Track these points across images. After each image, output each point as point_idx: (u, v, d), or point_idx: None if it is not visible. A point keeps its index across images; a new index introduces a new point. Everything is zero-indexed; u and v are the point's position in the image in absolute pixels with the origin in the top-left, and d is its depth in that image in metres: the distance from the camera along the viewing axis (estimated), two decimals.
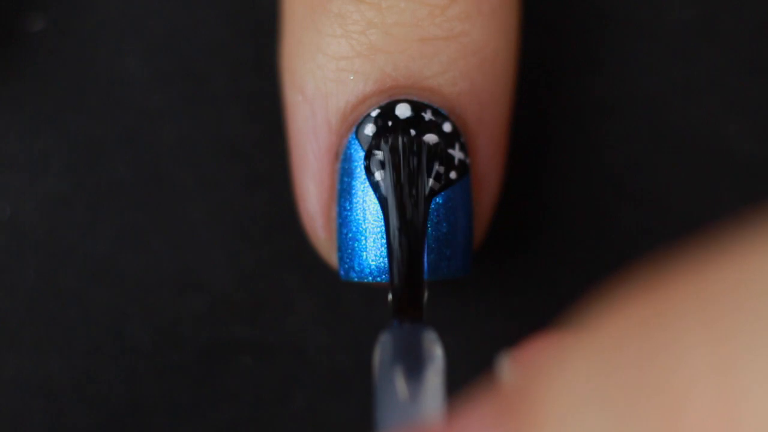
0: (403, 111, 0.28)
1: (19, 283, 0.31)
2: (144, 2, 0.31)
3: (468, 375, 0.31)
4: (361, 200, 0.28)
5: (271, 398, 0.31)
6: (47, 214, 0.31)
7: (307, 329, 0.31)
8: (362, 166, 0.28)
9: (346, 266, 0.28)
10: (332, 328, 0.31)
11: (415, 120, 0.27)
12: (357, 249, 0.28)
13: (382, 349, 0.24)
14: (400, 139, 0.27)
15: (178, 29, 0.32)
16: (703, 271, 0.17)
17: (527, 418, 0.17)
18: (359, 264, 0.28)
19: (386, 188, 0.27)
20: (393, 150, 0.27)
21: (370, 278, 0.28)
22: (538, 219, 0.31)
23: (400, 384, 0.23)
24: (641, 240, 0.31)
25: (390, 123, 0.27)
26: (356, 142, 0.28)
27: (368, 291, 0.31)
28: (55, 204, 0.31)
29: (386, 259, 0.27)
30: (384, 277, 0.28)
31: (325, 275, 0.31)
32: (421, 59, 0.27)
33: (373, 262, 0.28)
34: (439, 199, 0.28)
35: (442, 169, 0.27)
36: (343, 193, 0.28)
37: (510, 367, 0.23)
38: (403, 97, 0.28)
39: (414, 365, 0.23)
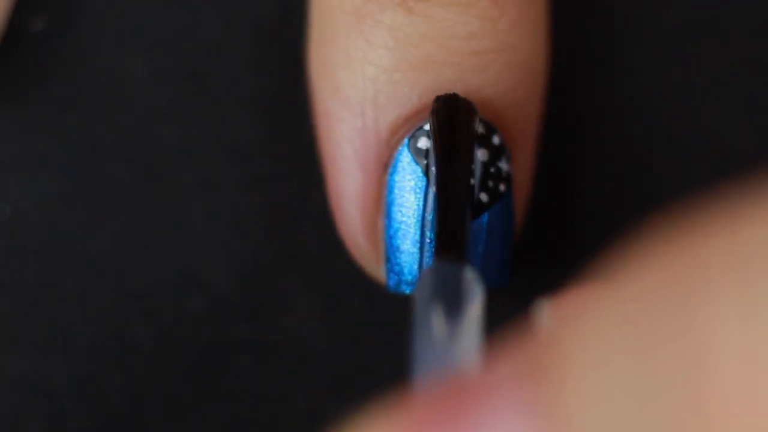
0: None
1: (19, 283, 0.31)
2: (144, 2, 0.32)
3: None
4: (413, 213, 0.28)
5: (271, 398, 0.31)
6: (47, 214, 0.31)
7: (307, 329, 0.31)
8: (416, 179, 0.27)
9: (397, 278, 0.28)
10: (332, 328, 0.31)
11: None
12: (410, 261, 0.28)
13: (421, 286, 0.24)
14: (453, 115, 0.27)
15: (178, 29, 0.32)
16: (730, 222, 0.17)
17: (556, 367, 0.17)
18: (413, 276, 0.28)
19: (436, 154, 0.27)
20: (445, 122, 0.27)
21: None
22: (538, 219, 0.31)
23: (438, 322, 0.23)
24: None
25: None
26: (410, 154, 0.27)
27: (368, 291, 0.31)
28: (55, 204, 0.31)
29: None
30: None
31: (325, 275, 0.31)
32: (474, 72, 0.27)
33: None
34: (491, 213, 0.28)
35: (491, 183, 0.27)
36: (393, 205, 0.28)
37: (547, 313, 0.23)
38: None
39: (453, 304, 0.23)
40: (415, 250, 0.28)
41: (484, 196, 0.27)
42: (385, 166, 0.28)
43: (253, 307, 0.31)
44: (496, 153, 0.28)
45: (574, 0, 0.32)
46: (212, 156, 0.31)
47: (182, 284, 0.31)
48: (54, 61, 0.31)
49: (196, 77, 0.31)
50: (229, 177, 0.31)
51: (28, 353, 0.31)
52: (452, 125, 0.27)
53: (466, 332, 0.23)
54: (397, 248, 0.28)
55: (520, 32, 0.28)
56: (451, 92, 0.27)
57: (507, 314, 0.31)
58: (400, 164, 0.28)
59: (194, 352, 0.31)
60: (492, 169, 0.28)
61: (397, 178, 0.28)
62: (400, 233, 0.28)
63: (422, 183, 0.27)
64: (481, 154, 0.27)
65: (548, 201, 0.31)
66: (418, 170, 0.28)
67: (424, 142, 0.27)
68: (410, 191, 0.28)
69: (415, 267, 0.28)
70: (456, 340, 0.23)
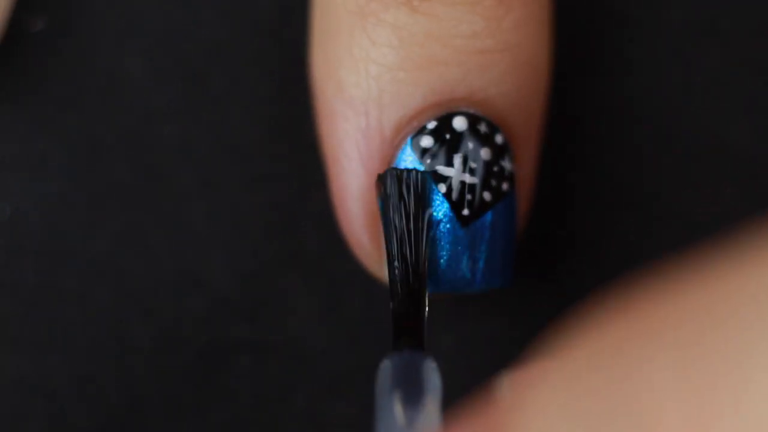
0: (460, 124, 0.28)
1: (19, 283, 0.31)
2: (144, 2, 0.31)
3: (464, 374, 0.31)
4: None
5: (271, 398, 0.31)
6: (47, 214, 0.31)
7: (307, 329, 0.31)
8: (427, 180, 0.28)
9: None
10: (332, 328, 0.31)
11: (472, 132, 0.28)
12: (432, 263, 0.28)
13: (382, 376, 0.24)
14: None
15: (178, 29, 0.32)
16: (673, 294, 0.17)
17: None
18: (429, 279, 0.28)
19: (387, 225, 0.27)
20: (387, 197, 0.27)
21: (447, 289, 0.28)
22: (537, 219, 0.31)
23: (399, 411, 0.23)
24: (641, 240, 0.31)
25: (447, 136, 0.27)
26: (413, 153, 0.27)
27: (368, 291, 0.31)
28: (55, 204, 0.31)
29: (460, 270, 0.28)
30: (467, 290, 0.28)
31: (325, 275, 0.31)
32: (478, 71, 0.27)
33: (447, 276, 0.28)
34: (494, 212, 0.28)
35: (494, 182, 0.27)
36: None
37: (506, 386, 0.23)
38: (459, 109, 0.28)
39: (412, 393, 0.24)
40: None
41: (487, 195, 0.28)
42: (389, 164, 0.28)
43: (253, 307, 0.31)
44: (499, 152, 0.28)
45: (574, 0, 0.32)
46: (212, 156, 0.31)
47: (182, 284, 0.31)
48: (54, 61, 0.31)
49: (196, 77, 0.31)
50: (229, 177, 0.31)
51: (28, 353, 0.31)
52: (401, 209, 0.27)
53: (426, 421, 0.23)
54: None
55: (525, 31, 0.28)
56: (396, 168, 0.27)
57: (507, 314, 0.31)
58: (403, 163, 0.28)
59: (194, 352, 0.31)
60: (495, 168, 0.28)
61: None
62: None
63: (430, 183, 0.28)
64: (484, 153, 0.27)
65: (548, 201, 0.31)
66: (421, 169, 0.28)
67: (427, 141, 0.27)
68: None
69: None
70: (416, 428, 0.23)
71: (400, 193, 0.27)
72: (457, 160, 0.27)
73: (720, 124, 0.31)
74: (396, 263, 0.27)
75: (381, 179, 0.27)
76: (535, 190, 0.31)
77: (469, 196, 0.27)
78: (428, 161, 0.27)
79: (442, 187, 0.27)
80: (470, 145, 0.27)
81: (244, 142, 0.31)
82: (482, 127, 0.28)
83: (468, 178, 0.27)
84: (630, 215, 0.31)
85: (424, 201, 0.27)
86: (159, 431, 0.31)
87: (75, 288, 0.31)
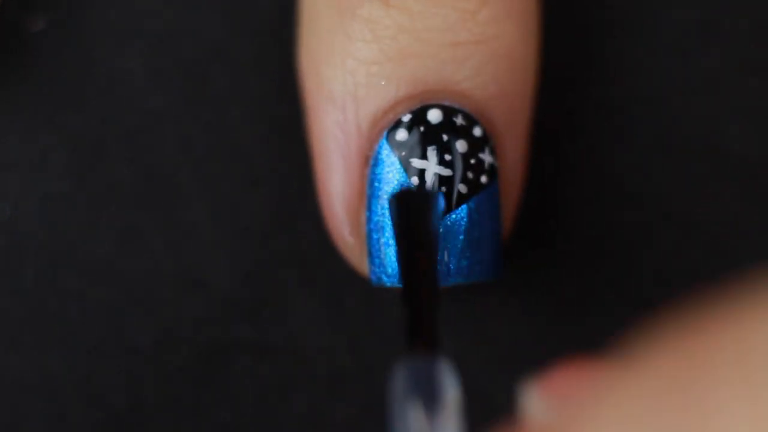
0: (435, 116, 0.28)
1: (19, 283, 0.31)
2: (144, 2, 0.31)
3: (469, 377, 0.31)
4: None
5: (271, 398, 0.31)
6: (47, 214, 0.31)
7: (307, 329, 0.31)
8: (394, 171, 0.28)
9: (378, 271, 0.28)
10: (332, 328, 0.31)
11: (446, 124, 0.28)
12: (389, 254, 0.28)
13: (396, 382, 0.24)
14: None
15: (178, 29, 0.32)
16: (743, 318, 0.17)
17: None
18: (393, 269, 0.28)
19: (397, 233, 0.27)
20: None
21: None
22: (538, 219, 0.31)
23: (416, 418, 0.23)
24: (641, 240, 0.31)
25: (422, 128, 0.27)
26: (388, 146, 0.28)
27: (368, 291, 0.31)
28: (55, 204, 0.31)
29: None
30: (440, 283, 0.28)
31: (325, 275, 0.31)
32: (453, 64, 0.27)
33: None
34: (471, 204, 0.28)
35: (471, 175, 0.27)
36: (374, 197, 0.28)
37: (538, 398, 0.23)
38: (434, 101, 0.28)
39: (429, 397, 0.23)
40: (393, 243, 0.28)
41: (463, 188, 0.28)
42: (368, 159, 0.28)
43: (253, 307, 0.31)
44: (477, 145, 0.28)
45: (574, 0, 0.32)
46: (212, 156, 0.31)
47: (182, 284, 0.31)
48: (54, 61, 0.31)
49: (196, 77, 0.31)
50: (229, 177, 0.31)
51: (28, 353, 0.31)
52: (410, 222, 0.27)
53: (446, 424, 0.23)
54: (377, 241, 0.28)
55: (503, 25, 0.28)
56: (407, 187, 0.27)
57: (505, 314, 0.31)
58: (380, 157, 0.28)
59: (194, 352, 0.31)
60: (472, 161, 0.28)
61: (377, 171, 0.28)
62: (380, 227, 0.28)
63: (401, 175, 0.28)
64: (460, 146, 0.27)
65: (548, 201, 0.31)
66: (397, 162, 0.28)
67: (402, 134, 0.27)
68: (389, 184, 0.28)
69: (395, 260, 0.28)
70: None
71: (409, 213, 0.27)
72: (432, 152, 0.27)
73: (719, 124, 0.31)
74: (408, 268, 0.26)
75: (391, 201, 0.27)
76: (534, 190, 0.31)
77: (444, 189, 0.27)
78: (403, 154, 0.27)
79: (416, 180, 0.27)
80: (445, 137, 0.27)
81: (244, 142, 0.31)
82: (459, 120, 0.28)
83: (443, 171, 0.27)
84: (630, 215, 0.31)
85: (433, 219, 0.27)
86: (159, 431, 0.31)
87: (75, 288, 0.31)
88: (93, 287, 0.31)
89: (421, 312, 0.26)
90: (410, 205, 0.27)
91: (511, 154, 0.28)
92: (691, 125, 0.31)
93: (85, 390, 0.31)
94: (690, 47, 0.31)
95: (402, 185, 0.27)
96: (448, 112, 0.28)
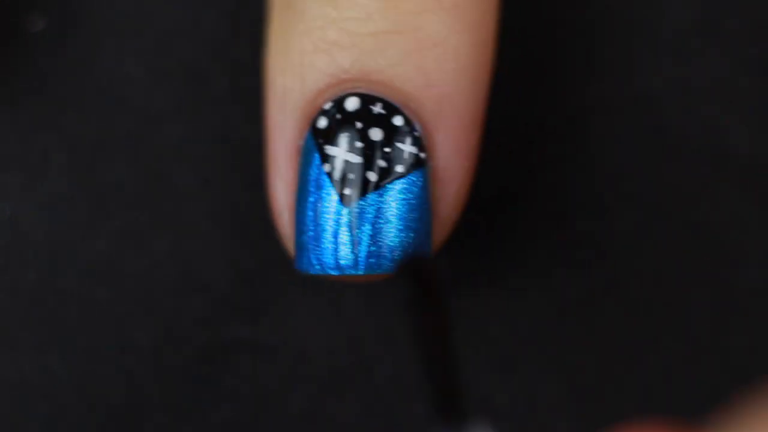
0: (352, 104, 0.28)
1: (19, 283, 0.31)
2: (144, 2, 0.32)
3: (469, 378, 0.31)
4: (318, 195, 0.28)
5: (271, 398, 0.31)
6: (47, 214, 0.31)
7: (307, 329, 0.31)
8: (314, 159, 0.28)
9: (304, 259, 0.28)
10: (332, 328, 0.31)
11: (363, 113, 0.28)
12: (312, 242, 0.28)
13: None
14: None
15: (178, 29, 0.32)
16: None
17: None
18: (316, 258, 0.28)
19: None
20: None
21: (328, 271, 0.28)
22: (538, 219, 0.31)
23: None
24: (641, 239, 0.31)
25: (339, 116, 0.28)
26: (311, 135, 0.28)
27: (368, 291, 0.31)
28: (55, 204, 0.31)
29: (341, 250, 0.28)
30: (340, 271, 0.28)
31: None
32: (372, 53, 0.28)
33: (330, 256, 0.28)
34: (382, 194, 0.28)
35: (384, 163, 0.28)
36: (300, 186, 0.28)
37: None
38: (355, 90, 0.28)
39: None
40: (316, 231, 0.28)
41: (372, 176, 0.28)
42: (299, 149, 0.28)
43: (253, 307, 0.31)
44: (395, 133, 0.28)
45: (574, 0, 0.32)
46: (212, 156, 0.31)
47: (182, 284, 0.31)
48: (54, 61, 0.31)
49: (196, 77, 0.31)
50: (229, 177, 0.31)
51: (28, 353, 0.31)
52: (419, 304, 0.26)
53: None
54: (299, 230, 0.28)
55: (431, 15, 0.28)
56: (416, 259, 0.27)
57: (501, 314, 0.31)
58: (305, 146, 0.28)
59: (194, 352, 0.31)
60: (387, 150, 0.28)
61: (301, 160, 0.28)
62: (303, 215, 0.28)
63: (317, 162, 0.28)
64: (374, 134, 0.28)
65: (548, 201, 0.31)
66: (315, 150, 0.28)
67: (322, 122, 0.28)
68: (310, 172, 0.28)
69: (317, 248, 0.28)
70: None
71: (419, 286, 0.27)
72: (343, 139, 0.28)
73: (720, 124, 0.31)
74: (426, 343, 0.26)
75: (398, 274, 0.27)
76: (534, 190, 0.31)
77: (351, 176, 0.28)
78: (320, 141, 0.28)
79: (328, 167, 0.28)
80: (359, 125, 0.28)
81: (244, 142, 0.31)
82: (377, 108, 0.28)
83: (353, 158, 0.28)
84: (630, 215, 0.31)
85: (440, 284, 0.27)
86: (159, 431, 0.31)
87: (75, 288, 0.31)
88: (93, 287, 0.31)
89: (443, 384, 0.25)
90: (419, 276, 0.26)
91: (445, 145, 0.28)
92: (691, 125, 0.31)
93: (85, 390, 0.31)
94: (690, 47, 0.31)
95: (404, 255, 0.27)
96: (368, 100, 0.28)
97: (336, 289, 0.31)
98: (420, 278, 0.26)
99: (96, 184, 0.31)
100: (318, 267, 0.28)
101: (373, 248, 0.28)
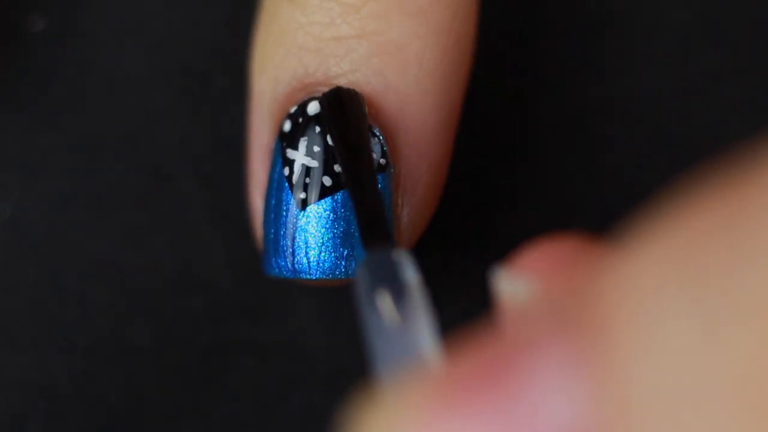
0: (313, 108, 0.28)
1: (20, 283, 0.31)
2: (144, 2, 0.32)
3: None
4: (279, 197, 0.28)
5: (271, 398, 0.31)
6: (47, 214, 0.31)
7: (307, 329, 0.31)
8: (278, 163, 0.28)
9: (267, 261, 0.28)
10: (332, 328, 0.31)
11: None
12: (272, 245, 0.28)
13: (359, 283, 0.23)
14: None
15: (178, 29, 0.32)
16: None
17: (598, 316, 0.15)
18: (275, 261, 0.28)
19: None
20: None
21: (285, 275, 0.28)
22: (538, 219, 0.31)
23: (388, 310, 0.22)
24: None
25: (300, 120, 0.28)
26: (278, 139, 0.28)
27: None
28: (55, 204, 0.31)
29: (297, 254, 0.28)
30: (295, 275, 0.28)
31: None
32: (333, 57, 0.28)
33: (286, 260, 0.28)
34: (338, 198, 0.28)
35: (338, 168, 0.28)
36: (267, 188, 0.28)
37: (516, 280, 0.21)
38: (317, 94, 0.28)
39: (395, 288, 0.23)
40: (279, 234, 0.28)
41: (327, 180, 0.28)
42: (269, 151, 0.29)
43: (253, 307, 0.31)
44: None
45: (574, 0, 0.32)
46: (212, 156, 0.31)
47: (182, 284, 0.31)
48: (54, 61, 0.31)
49: (196, 77, 0.31)
50: (229, 177, 0.31)
51: (28, 353, 0.31)
52: (341, 122, 0.27)
53: (418, 311, 0.22)
54: (264, 232, 0.28)
55: (393, 20, 0.28)
56: (334, 86, 0.28)
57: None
58: (274, 149, 0.28)
59: (194, 352, 0.31)
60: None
61: (271, 163, 0.28)
62: (268, 218, 0.28)
63: (279, 166, 0.28)
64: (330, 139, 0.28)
65: (548, 201, 0.31)
66: (278, 153, 0.28)
67: (286, 126, 0.28)
68: (273, 174, 0.28)
69: (278, 251, 0.28)
70: (411, 321, 0.22)
71: (336, 111, 0.27)
72: (302, 143, 0.28)
73: (720, 124, 0.31)
74: (351, 166, 0.26)
75: (322, 100, 0.27)
76: (534, 190, 0.31)
77: (307, 180, 0.28)
78: (283, 145, 0.28)
79: (287, 170, 0.28)
80: (317, 128, 0.28)
81: (244, 142, 0.31)
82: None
83: (309, 162, 0.28)
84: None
85: (360, 115, 0.27)
86: (159, 431, 0.31)
87: (75, 288, 0.31)
88: (93, 287, 0.31)
89: (372, 206, 0.26)
90: (344, 102, 0.27)
91: (408, 151, 0.28)
92: (691, 125, 0.31)
93: (85, 390, 0.31)
94: (690, 47, 0.31)
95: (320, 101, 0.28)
96: None
97: (335, 289, 0.31)
98: (336, 100, 0.27)
99: (96, 184, 0.31)
100: (277, 270, 0.28)
101: (325, 254, 0.28)
